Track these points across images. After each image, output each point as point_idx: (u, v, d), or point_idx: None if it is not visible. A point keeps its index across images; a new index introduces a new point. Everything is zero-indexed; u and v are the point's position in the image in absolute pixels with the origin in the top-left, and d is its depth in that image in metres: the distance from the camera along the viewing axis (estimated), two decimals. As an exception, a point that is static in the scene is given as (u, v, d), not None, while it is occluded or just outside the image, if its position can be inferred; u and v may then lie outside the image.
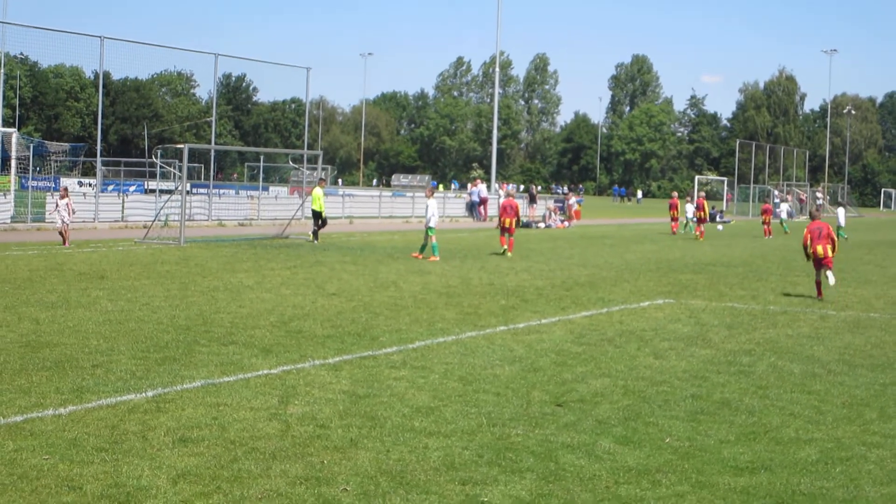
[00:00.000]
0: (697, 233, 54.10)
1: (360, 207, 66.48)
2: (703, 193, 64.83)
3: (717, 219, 75.96)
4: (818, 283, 26.27)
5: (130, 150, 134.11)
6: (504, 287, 26.39)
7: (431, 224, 35.08)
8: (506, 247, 38.06)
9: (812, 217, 27.52)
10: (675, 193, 66.42)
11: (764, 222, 59.17)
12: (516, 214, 39.14)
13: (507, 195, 43.18)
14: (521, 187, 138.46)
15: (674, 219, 59.92)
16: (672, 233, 58.60)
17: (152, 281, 25.01)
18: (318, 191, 42.59)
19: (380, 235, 45.83)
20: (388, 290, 24.85)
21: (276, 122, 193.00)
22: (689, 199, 72.74)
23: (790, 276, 32.33)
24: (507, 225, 38.27)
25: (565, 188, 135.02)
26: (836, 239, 26.52)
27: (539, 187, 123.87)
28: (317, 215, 41.77)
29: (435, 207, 35.71)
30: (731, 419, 12.55)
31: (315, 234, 41.57)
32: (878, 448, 11.46)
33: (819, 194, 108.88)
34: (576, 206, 72.89)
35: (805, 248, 26.31)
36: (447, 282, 27.19)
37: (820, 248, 25.88)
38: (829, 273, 25.84)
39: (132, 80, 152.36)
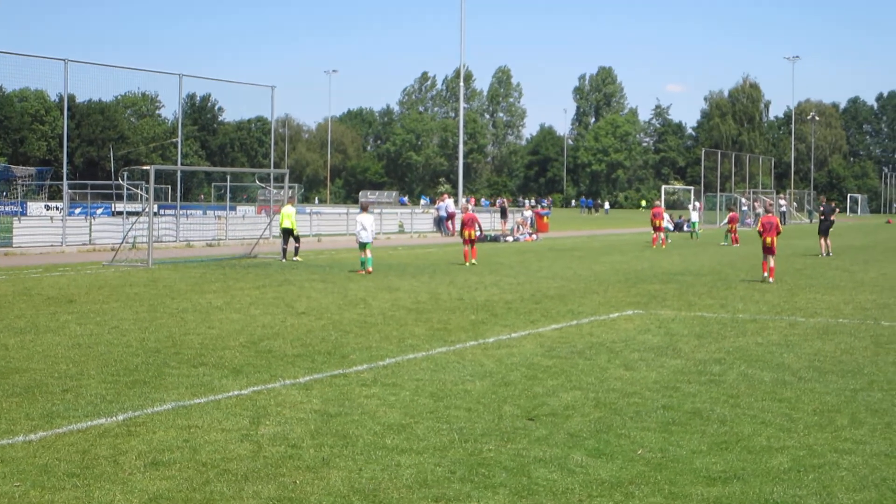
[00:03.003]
0: (659, 242, 54.42)
1: (327, 225, 66.40)
2: (658, 202, 64.78)
3: (685, 228, 76.19)
4: (763, 265, 33.49)
5: (97, 173, 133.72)
6: (473, 302, 26.39)
7: (360, 239, 35.57)
8: (470, 260, 39.47)
9: (766, 212, 34.43)
10: (658, 202, 65.95)
11: (730, 230, 59.19)
12: (474, 227, 40.63)
13: (464, 209, 44.41)
14: (481, 202, 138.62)
15: (656, 228, 58.04)
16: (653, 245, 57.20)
17: (121, 304, 24.92)
18: (288, 209, 42.76)
19: (348, 252, 45.74)
20: (357, 307, 24.82)
21: (242, 141, 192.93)
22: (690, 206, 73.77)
23: (758, 283, 32.44)
24: (469, 237, 39.88)
25: (532, 201, 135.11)
26: (781, 230, 34.18)
27: (531, 201, 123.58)
28: (287, 233, 41.89)
29: (365, 223, 36.00)
30: (703, 429, 12.57)
31: (284, 252, 41.66)
32: (850, 454, 11.50)
33: (782, 201, 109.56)
34: (530, 217, 72.31)
35: (759, 234, 33.85)
36: (416, 298, 27.19)
37: (769, 239, 32.86)
38: (769, 274, 33.09)
39: (97, 102, 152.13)
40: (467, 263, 39.35)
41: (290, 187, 50.73)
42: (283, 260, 40.97)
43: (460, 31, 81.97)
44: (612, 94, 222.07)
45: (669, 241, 59.26)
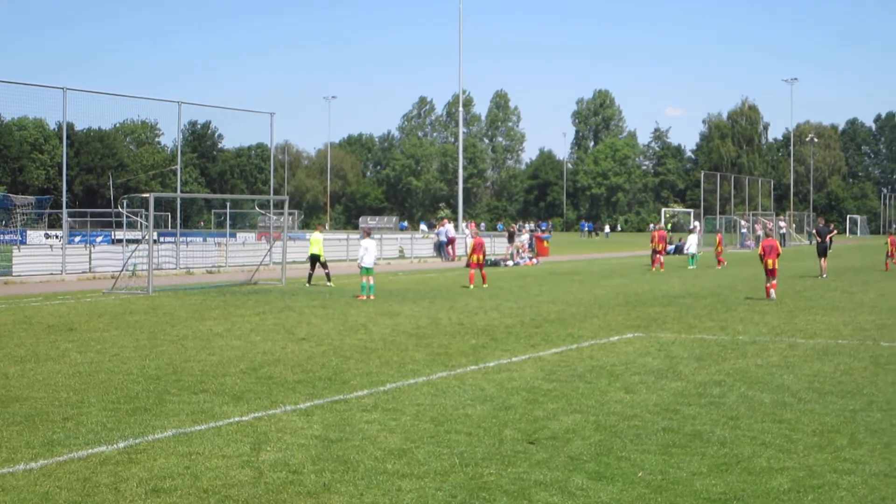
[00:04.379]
0: (658, 265, 54.36)
1: (328, 251, 66.10)
2: (660, 225, 64.91)
3: (685, 251, 76.22)
4: (767, 288, 34.98)
5: (96, 201, 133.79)
6: (474, 326, 26.41)
7: (362, 264, 35.76)
8: (473, 285, 40.51)
9: (766, 236, 34.60)
10: (659, 225, 65.99)
11: (717, 252, 60.25)
12: (483, 251, 41.64)
13: (475, 234, 45.08)
14: (484, 226, 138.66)
15: (657, 251, 57.12)
16: (652, 268, 56.21)
17: (121, 331, 24.94)
18: (316, 235, 44.42)
19: (348, 278, 45.72)
20: (357, 333, 24.84)
21: (241, 168, 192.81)
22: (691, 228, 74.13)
23: (758, 305, 32.49)
24: (478, 261, 41.02)
25: (531, 224, 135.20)
26: (780, 252, 36.17)
27: (531, 225, 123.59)
28: (315, 259, 42.73)
29: (368, 247, 36.42)
30: (703, 451, 12.59)
31: (310, 277, 42.74)
32: (850, 475, 11.52)
33: (782, 223, 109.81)
34: (526, 241, 72.20)
35: (760, 257, 35.63)
36: (417, 323, 27.21)
37: (770, 262, 34.67)
38: (772, 291, 34.80)
39: (96, 130, 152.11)
40: (472, 286, 40.19)
41: (290, 213, 50.87)
42: (308, 285, 41.81)
43: (458, 58, 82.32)
44: (610, 117, 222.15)
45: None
